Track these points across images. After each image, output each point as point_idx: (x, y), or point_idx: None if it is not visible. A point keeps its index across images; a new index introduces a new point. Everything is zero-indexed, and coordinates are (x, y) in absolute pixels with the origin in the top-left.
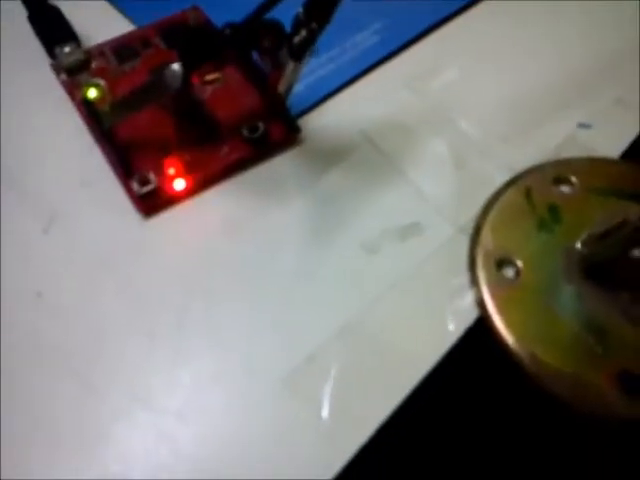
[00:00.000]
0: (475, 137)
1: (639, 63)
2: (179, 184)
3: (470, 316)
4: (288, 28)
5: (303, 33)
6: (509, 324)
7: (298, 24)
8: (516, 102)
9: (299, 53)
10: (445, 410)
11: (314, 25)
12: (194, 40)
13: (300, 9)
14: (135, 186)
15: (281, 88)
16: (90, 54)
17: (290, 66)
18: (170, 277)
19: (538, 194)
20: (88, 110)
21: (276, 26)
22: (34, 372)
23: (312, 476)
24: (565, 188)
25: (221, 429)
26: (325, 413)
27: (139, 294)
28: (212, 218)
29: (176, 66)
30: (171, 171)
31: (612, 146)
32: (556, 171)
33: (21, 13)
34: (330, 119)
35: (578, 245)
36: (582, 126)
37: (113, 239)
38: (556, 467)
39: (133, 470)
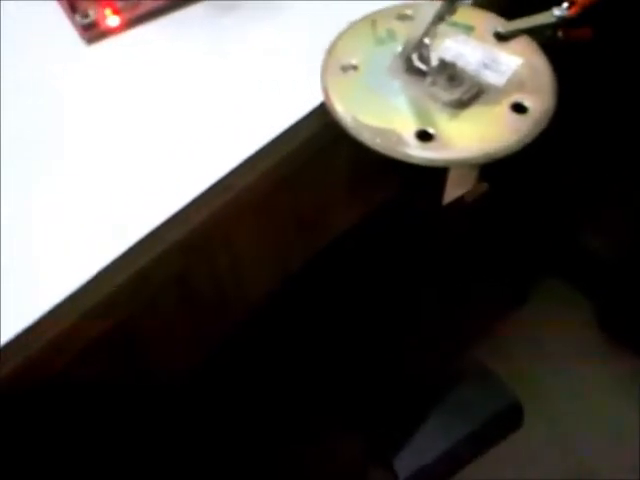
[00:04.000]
0: None
1: None
2: (113, 20)
3: (316, 100)
4: None
5: None
6: (340, 100)
7: None
8: None
9: None
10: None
11: None
12: None
13: None
14: (78, 18)
15: None
16: None
17: None
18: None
19: (381, 24)
20: None
21: None
22: None
23: None
24: (405, 21)
25: None
26: None
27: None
28: (139, 49)
29: None
30: (107, 11)
31: None
32: (399, 9)
33: None
34: None
35: (399, 48)
36: None
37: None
38: None
39: None
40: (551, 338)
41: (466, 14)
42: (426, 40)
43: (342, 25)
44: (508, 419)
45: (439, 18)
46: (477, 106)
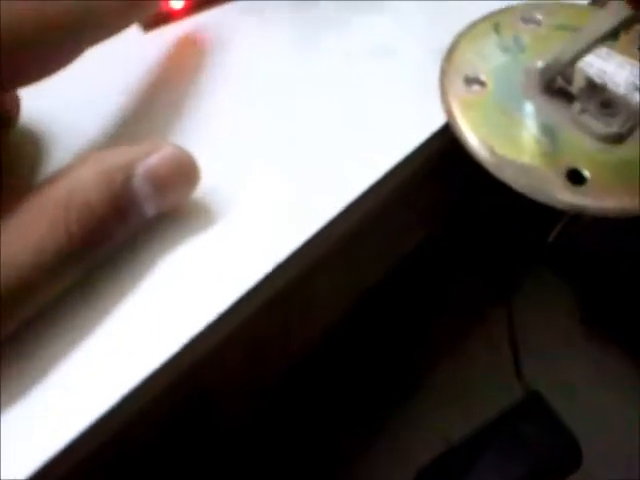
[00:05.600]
0: None
1: None
2: (177, 3)
3: (437, 122)
4: None
5: None
6: (471, 126)
7: None
8: None
9: None
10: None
11: None
12: None
13: None
14: None
15: None
16: None
17: None
18: (162, 82)
19: (506, 28)
20: None
21: None
22: None
23: None
24: (532, 25)
25: None
26: None
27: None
28: (205, 36)
29: None
30: None
31: None
32: (525, 11)
33: None
34: None
35: (539, 64)
36: None
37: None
38: None
39: None
40: (536, 327)
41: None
42: (585, 59)
43: (457, 23)
44: (567, 460)
45: (612, 34)
46: (632, 141)
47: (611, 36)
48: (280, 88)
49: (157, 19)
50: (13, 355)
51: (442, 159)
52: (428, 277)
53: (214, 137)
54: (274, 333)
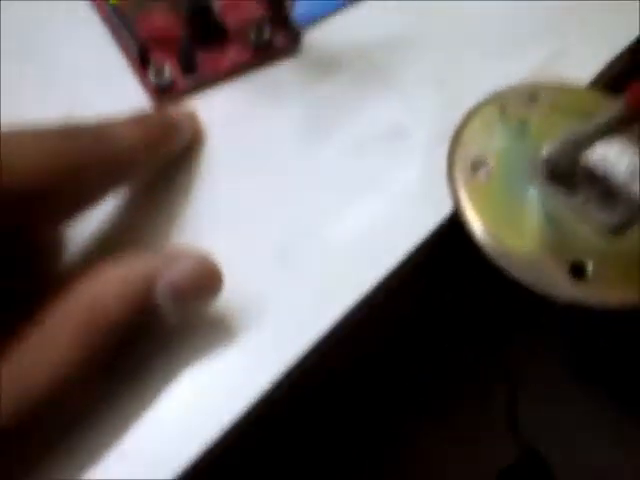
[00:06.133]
0: (457, 57)
1: None
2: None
3: (445, 209)
4: None
5: None
6: (478, 213)
7: None
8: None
9: None
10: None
11: None
12: None
13: None
14: (151, 77)
15: None
16: None
17: None
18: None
19: (512, 110)
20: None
21: None
22: None
23: None
24: (537, 107)
25: None
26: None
27: None
28: (214, 114)
29: None
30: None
31: (582, 74)
32: (531, 92)
33: None
34: (331, 34)
35: (543, 153)
36: (556, 54)
37: None
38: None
39: None
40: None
41: (602, 103)
42: (588, 151)
43: (465, 99)
44: None
45: (613, 131)
46: (634, 232)
47: (612, 132)
48: (288, 174)
49: (164, 94)
50: None
51: (449, 245)
52: (428, 335)
53: (220, 229)
54: None
